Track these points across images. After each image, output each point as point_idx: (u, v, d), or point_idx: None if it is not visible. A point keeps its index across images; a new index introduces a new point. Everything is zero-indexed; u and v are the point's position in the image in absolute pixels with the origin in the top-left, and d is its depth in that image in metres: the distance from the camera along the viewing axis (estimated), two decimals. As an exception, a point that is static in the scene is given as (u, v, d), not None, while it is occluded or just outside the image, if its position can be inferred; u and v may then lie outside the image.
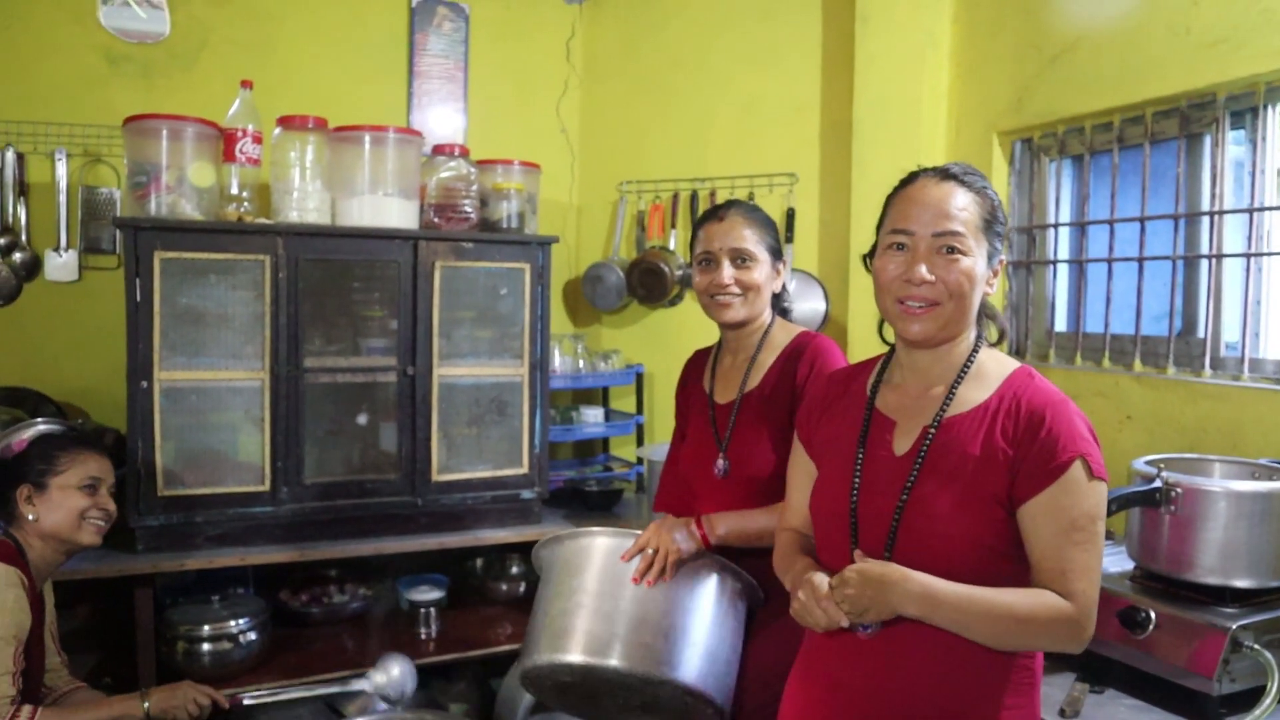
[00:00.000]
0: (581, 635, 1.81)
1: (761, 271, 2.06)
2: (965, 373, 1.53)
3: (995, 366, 1.54)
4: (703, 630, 1.83)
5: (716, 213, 2.10)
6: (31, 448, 2.34)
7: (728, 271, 2.04)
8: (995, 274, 1.54)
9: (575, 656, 1.79)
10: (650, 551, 1.87)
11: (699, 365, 2.27)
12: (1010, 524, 1.45)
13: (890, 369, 1.64)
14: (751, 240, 2.05)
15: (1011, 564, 1.45)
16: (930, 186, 1.51)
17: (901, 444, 1.54)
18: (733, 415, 2.07)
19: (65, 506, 2.26)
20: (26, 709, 2.08)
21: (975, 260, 1.48)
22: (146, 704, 2.27)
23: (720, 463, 2.06)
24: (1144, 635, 1.85)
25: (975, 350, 1.55)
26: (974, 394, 1.52)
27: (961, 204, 1.48)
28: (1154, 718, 1.80)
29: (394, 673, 2.59)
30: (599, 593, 1.85)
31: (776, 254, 2.10)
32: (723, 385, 2.15)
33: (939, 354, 1.55)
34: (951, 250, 1.47)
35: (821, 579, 1.48)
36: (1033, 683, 1.52)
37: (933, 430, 1.51)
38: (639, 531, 1.92)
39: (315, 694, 2.59)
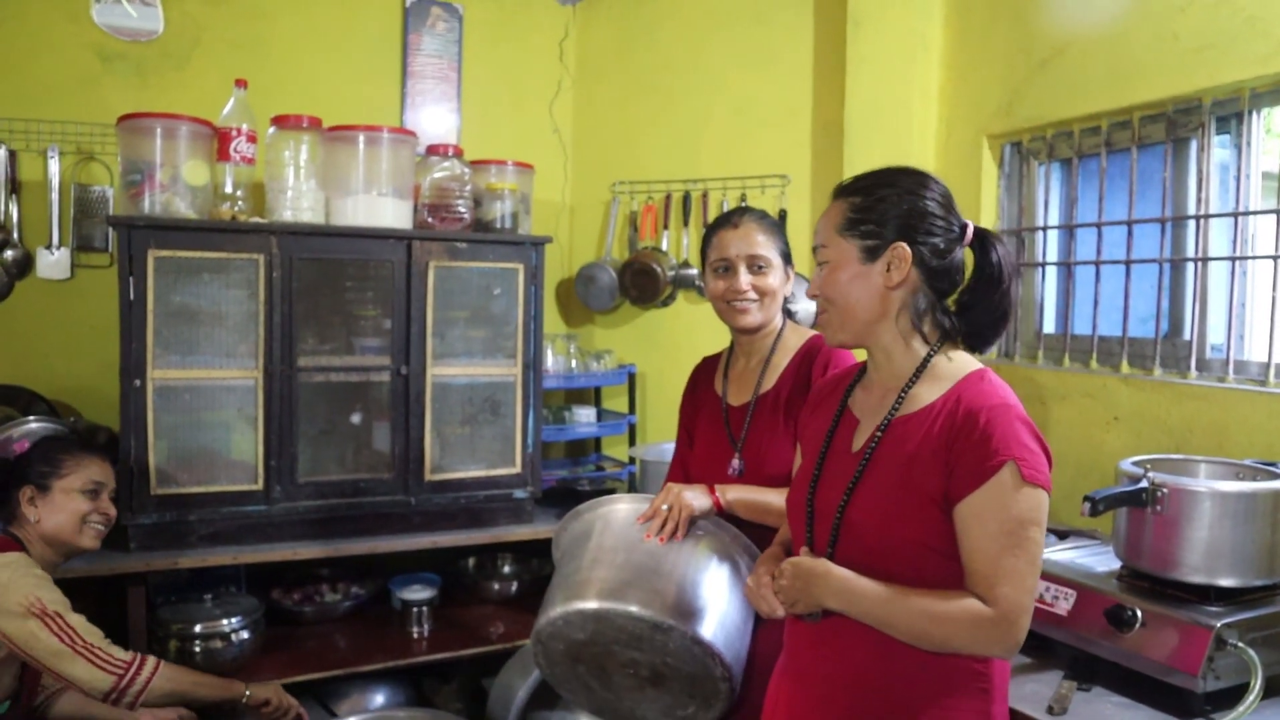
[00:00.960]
0: (597, 583, 1.84)
1: (776, 277, 2.11)
2: (918, 374, 1.55)
3: (952, 369, 1.54)
4: (715, 590, 1.85)
5: (730, 219, 2.13)
6: (35, 449, 2.37)
7: (745, 278, 2.08)
8: (894, 266, 1.52)
9: (590, 603, 1.81)
10: (664, 509, 1.91)
11: (709, 370, 2.30)
12: (945, 524, 1.45)
13: (864, 371, 1.68)
14: (765, 246, 2.09)
15: (951, 564, 1.46)
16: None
17: (858, 441, 1.59)
18: (748, 416, 2.10)
19: (67, 509, 2.28)
20: (153, 659, 2.21)
21: (837, 264, 1.56)
22: (248, 692, 2.39)
23: (735, 463, 2.10)
24: (1130, 633, 1.87)
25: (933, 353, 1.55)
26: (926, 395, 1.53)
27: (828, 217, 1.60)
28: (1140, 715, 1.82)
29: None
30: (614, 548, 1.90)
31: (787, 258, 2.14)
32: (736, 388, 2.18)
33: (886, 355, 1.57)
34: (821, 263, 1.60)
35: (764, 571, 1.65)
36: (987, 688, 1.50)
37: (880, 429, 1.54)
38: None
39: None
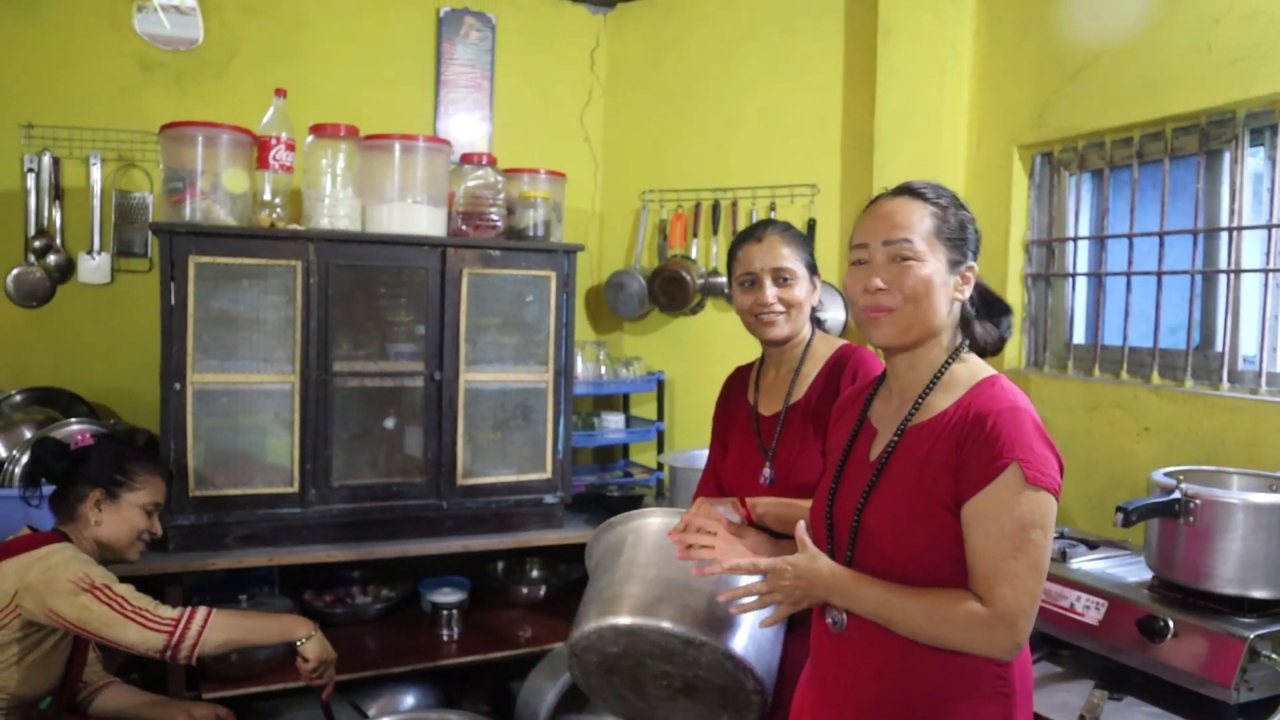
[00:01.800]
0: (630, 599, 1.86)
1: (802, 288, 2.12)
2: (935, 382, 1.57)
3: (966, 375, 1.57)
4: None
5: (754, 233, 2.15)
6: (103, 451, 2.36)
7: (770, 291, 2.10)
8: (966, 281, 1.57)
9: (624, 618, 1.83)
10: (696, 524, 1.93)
11: (742, 380, 2.32)
12: (957, 527, 1.47)
13: (884, 381, 1.70)
14: (790, 258, 2.11)
15: (964, 567, 1.47)
16: (884, 202, 1.58)
17: (875, 449, 1.61)
18: (778, 426, 2.12)
19: (129, 523, 2.32)
20: (203, 611, 2.21)
21: (928, 265, 1.52)
22: (310, 635, 2.34)
23: (766, 471, 2.11)
24: (1162, 644, 1.88)
25: (950, 360, 1.58)
26: (940, 402, 1.55)
27: (914, 215, 1.54)
28: (1172, 725, 1.83)
29: None
30: (647, 563, 1.92)
31: (813, 269, 2.16)
32: (767, 398, 2.20)
33: (910, 362, 1.59)
34: (905, 259, 1.52)
35: (760, 584, 1.61)
36: (1008, 692, 1.51)
37: (896, 437, 1.57)
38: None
39: None
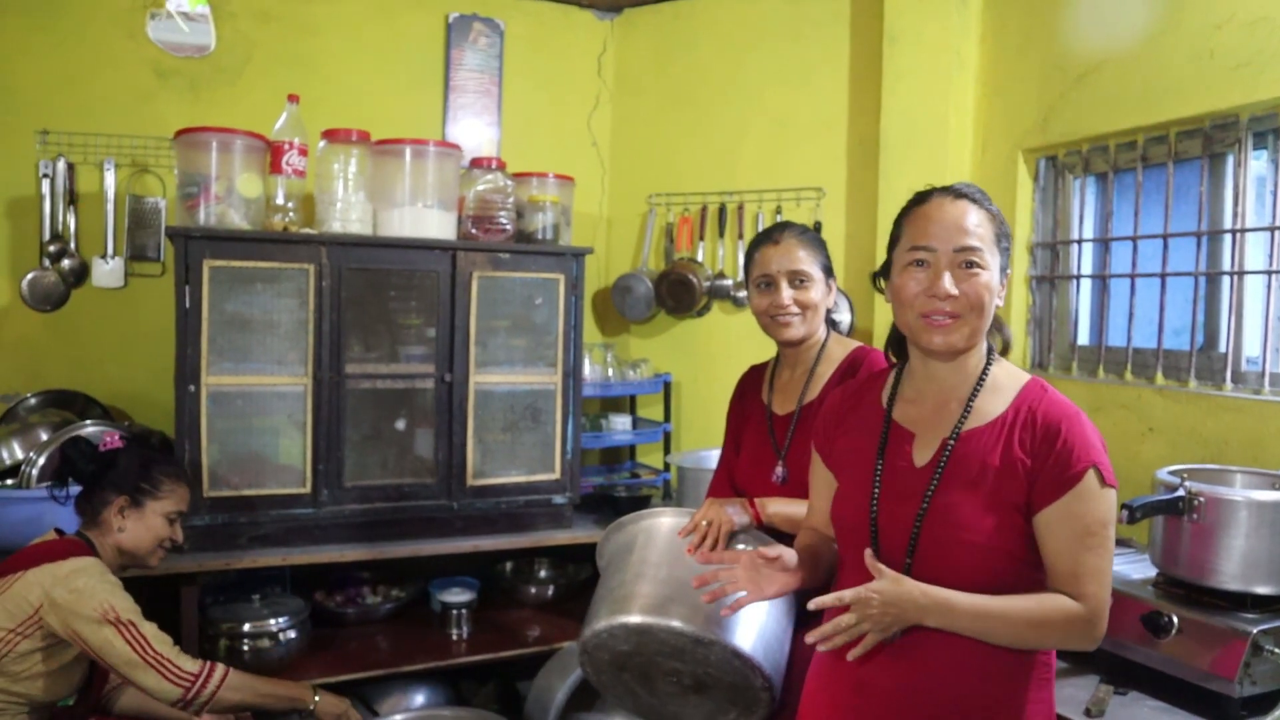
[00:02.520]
0: (641, 598, 1.89)
1: (817, 291, 2.16)
2: (981, 385, 1.60)
3: (1008, 379, 1.61)
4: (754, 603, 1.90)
5: (771, 236, 2.19)
6: (132, 456, 2.37)
7: (787, 293, 2.13)
8: (1003, 287, 1.60)
9: (635, 617, 1.86)
10: (705, 524, 1.96)
11: (756, 379, 2.35)
12: (1027, 530, 1.52)
13: (903, 383, 1.70)
14: (806, 261, 2.14)
15: (1030, 569, 1.52)
16: (946, 205, 1.57)
17: (921, 455, 1.60)
18: (792, 425, 2.15)
19: (153, 531, 2.34)
20: (221, 669, 2.24)
21: (992, 274, 1.55)
22: (317, 699, 2.42)
23: (779, 470, 2.15)
24: (1167, 639, 1.91)
25: (989, 363, 1.62)
26: (990, 406, 1.58)
27: (976, 220, 1.56)
28: (1176, 719, 1.85)
29: None
30: (658, 563, 1.95)
31: (829, 272, 2.19)
32: (781, 397, 2.23)
33: (955, 366, 1.61)
34: (971, 265, 1.54)
35: (847, 617, 1.51)
36: (1050, 678, 1.59)
37: (952, 441, 1.57)
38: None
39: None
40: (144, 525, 2.33)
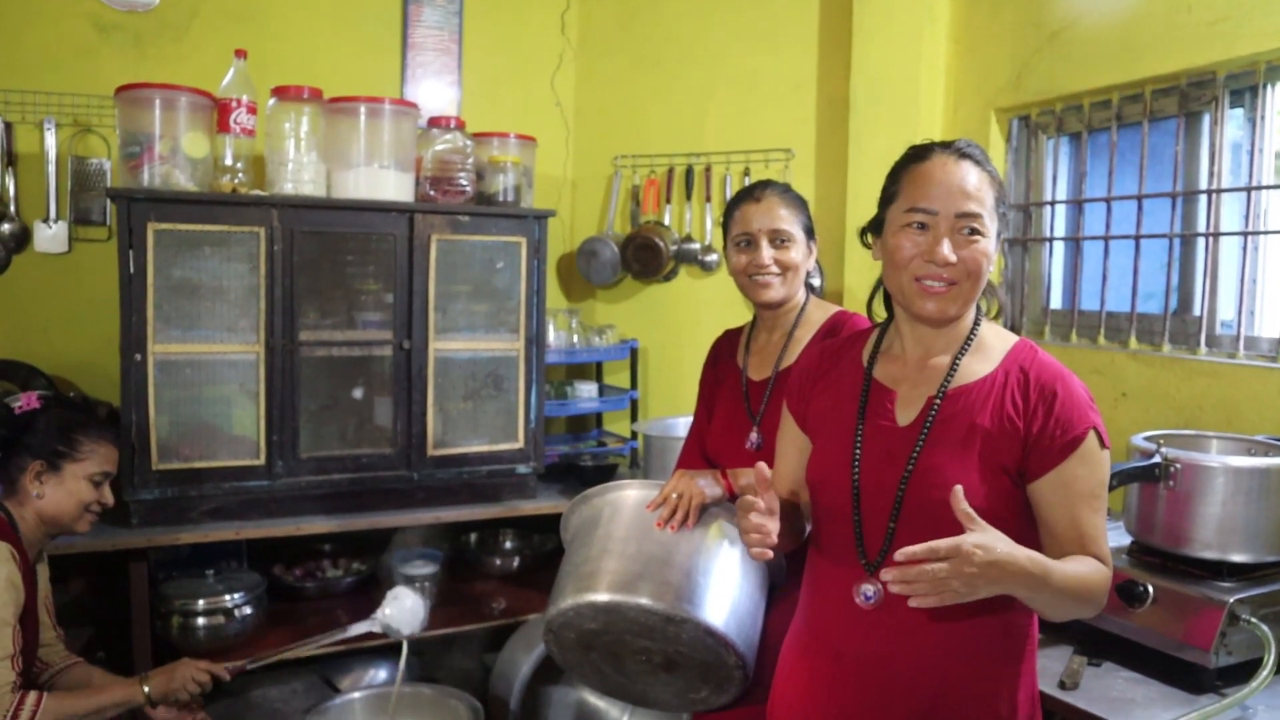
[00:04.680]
0: (607, 575, 1.81)
1: (798, 251, 2.08)
2: (969, 345, 1.55)
3: (996, 340, 1.56)
4: (726, 577, 1.83)
5: (752, 193, 2.11)
6: (49, 418, 2.23)
7: (767, 252, 2.06)
8: (998, 250, 1.55)
9: (601, 595, 1.79)
10: (675, 497, 1.87)
11: (731, 343, 2.28)
12: (1015, 493, 1.47)
13: (888, 340, 1.64)
14: (788, 220, 2.07)
15: (1013, 531, 1.44)
16: (950, 164, 1.49)
17: (904, 414, 1.55)
18: (768, 391, 2.08)
19: (74, 496, 2.20)
20: (32, 696, 2.03)
21: (990, 240, 1.49)
22: (147, 688, 2.22)
23: (753, 436, 2.08)
24: (1142, 609, 1.87)
25: (977, 323, 1.57)
26: (977, 366, 1.53)
27: (976, 183, 1.49)
28: (1151, 690, 1.82)
29: (406, 605, 2.46)
30: (625, 538, 1.86)
31: (810, 233, 2.12)
32: (757, 362, 2.16)
33: (946, 329, 1.56)
34: (973, 231, 1.47)
35: (938, 566, 1.30)
36: (1033, 649, 1.56)
37: (938, 400, 1.52)
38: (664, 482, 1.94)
39: (325, 642, 2.45)
40: (64, 490, 2.20)
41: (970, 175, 1.49)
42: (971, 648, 1.49)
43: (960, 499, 1.34)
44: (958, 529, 1.41)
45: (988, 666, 1.50)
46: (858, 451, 1.56)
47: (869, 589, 1.51)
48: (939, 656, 1.49)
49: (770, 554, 1.51)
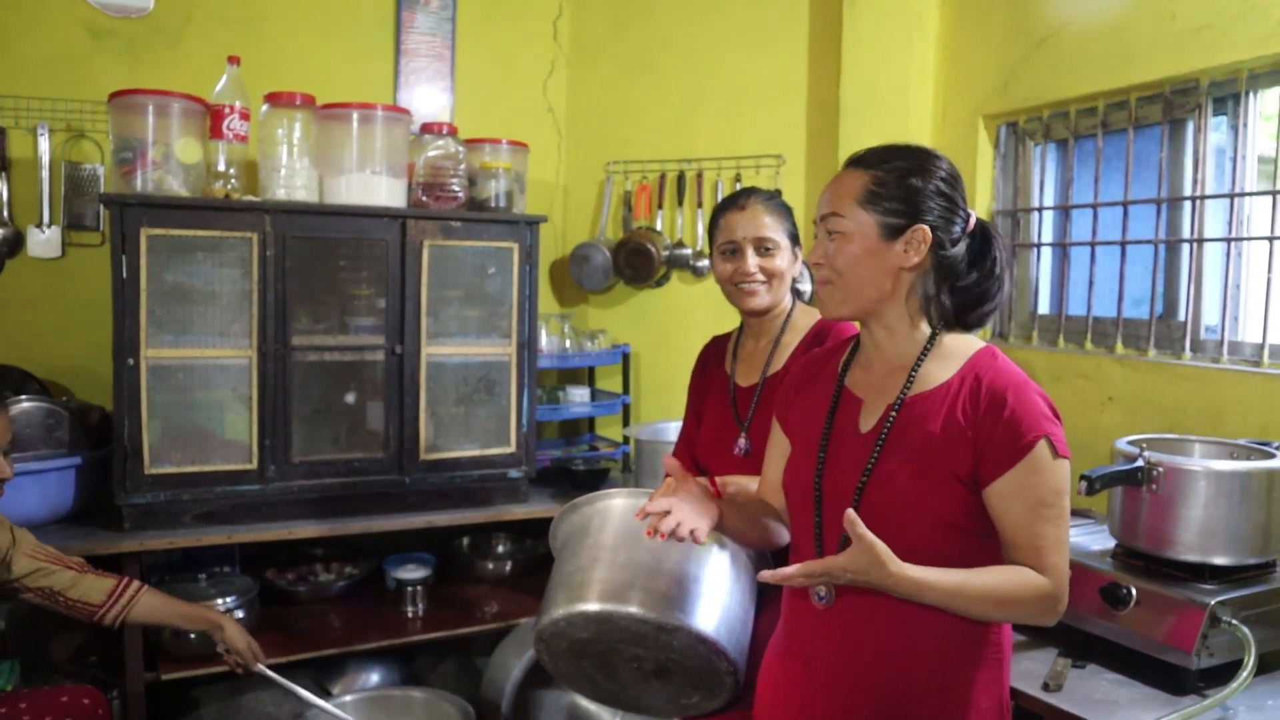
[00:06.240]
0: (598, 584, 1.81)
1: (784, 258, 2.09)
2: (926, 353, 1.56)
3: (959, 346, 1.56)
4: (717, 586, 1.84)
5: (737, 201, 2.12)
6: None
7: (752, 260, 2.07)
8: (911, 247, 1.52)
9: (592, 605, 1.79)
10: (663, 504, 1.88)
11: (719, 349, 2.29)
12: (970, 500, 1.48)
13: (860, 350, 1.67)
14: (773, 228, 2.08)
15: (973, 539, 1.49)
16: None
17: (866, 421, 1.58)
18: (755, 397, 2.10)
19: None
20: (136, 582, 2.31)
21: (854, 238, 1.54)
22: (226, 628, 2.46)
23: (742, 442, 2.09)
24: (1125, 611, 1.89)
25: (937, 333, 1.57)
26: (937, 373, 1.54)
27: (843, 186, 1.58)
28: (1135, 691, 1.83)
29: None
30: (615, 547, 1.86)
31: (795, 240, 2.13)
32: (745, 368, 2.17)
33: (887, 332, 1.58)
34: (833, 232, 1.56)
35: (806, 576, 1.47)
36: (1001, 658, 1.56)
37: (895, 408, 1.54)
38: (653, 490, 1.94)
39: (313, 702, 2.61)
40: None
41: (841, 180, 1.58)
42: (931, 649, 1.50)
43: (854, 521, 1.40)
44: (911, 532, 1.47)
45: (957, 674, 1.51)
46: (822, 456, 1.59)
47: (821, 589, 1.54)
48: (899, 660, 1.50)
49: (665, 534, 1.54)
